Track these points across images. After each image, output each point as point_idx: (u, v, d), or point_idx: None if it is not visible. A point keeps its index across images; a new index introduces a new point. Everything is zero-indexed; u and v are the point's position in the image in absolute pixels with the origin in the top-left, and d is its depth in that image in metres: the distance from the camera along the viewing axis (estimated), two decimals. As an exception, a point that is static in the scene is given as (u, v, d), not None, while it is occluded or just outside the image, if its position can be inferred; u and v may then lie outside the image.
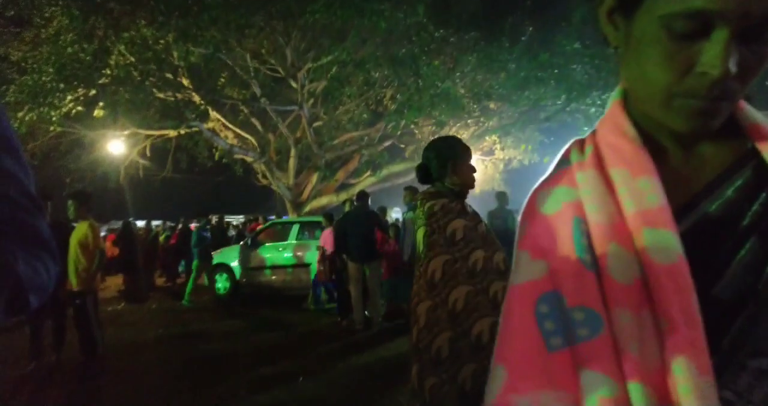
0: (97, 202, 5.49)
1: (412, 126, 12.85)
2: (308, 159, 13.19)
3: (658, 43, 0.54)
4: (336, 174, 13.41)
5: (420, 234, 2.26)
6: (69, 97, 9.66)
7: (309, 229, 10.29)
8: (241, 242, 10.43)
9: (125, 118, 11.26)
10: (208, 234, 9.94)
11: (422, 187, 2.45)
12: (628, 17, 0.58)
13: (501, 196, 8.48)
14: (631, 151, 0.60)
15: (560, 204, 0.63)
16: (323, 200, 13.33)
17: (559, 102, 11.40)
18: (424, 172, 2.36)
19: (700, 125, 0.56)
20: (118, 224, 15.65)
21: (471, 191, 2.38)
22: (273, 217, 15.86)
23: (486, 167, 16.04)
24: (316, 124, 12.87)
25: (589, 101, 11.38)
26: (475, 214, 2.31)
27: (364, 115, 13.17)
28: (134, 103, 10.47)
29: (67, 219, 5.20)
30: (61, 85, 9.32)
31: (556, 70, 10.37)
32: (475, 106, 12.33)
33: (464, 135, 13.25)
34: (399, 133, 13.15)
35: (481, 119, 12.82)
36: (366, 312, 7.33)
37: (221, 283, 10.02)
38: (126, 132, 11.69)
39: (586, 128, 12.71)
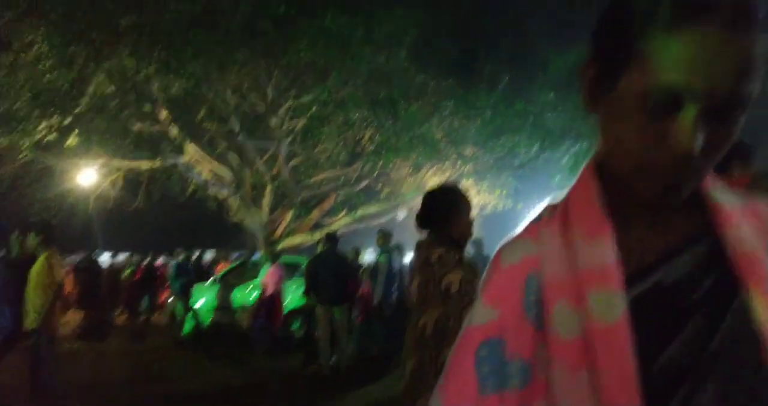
0: (63, 233, 5.29)
1: (389, 168, 12.94)
2: (284, 196, 13.10)
3: (632, 116, 0.56)
4: (311, 213, 13.32)
5: (414, 284, 2.18)
6: (43, 124, 9.47)
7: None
8: (208, 281, 10.17)
9: (99, 148, 11.06)
10: (191, 268, 9.67)
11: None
12: (607, 88, 0.60)
13: (477, 244, 8.53)
14: (594, 213, 0.63)
15: (520, 257, 0.67)
16: (297, 239, 13.17)
17: (533, 150, 11.67)
18: (424, 218, 2.28)
19: (667, 197, 0.58)
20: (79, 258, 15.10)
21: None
22: (242, 253, 15.50)
23: (461, 211, 16.12)
24: (293, 161, 12.86)
25: (562, 149, 11.69)
26: (473, 266, 2.18)
27: (342, 155, 13.24)
28: (109, 133, 10.30)
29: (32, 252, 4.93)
30: (36, 112, 9.16)
31: (531, 119, 10.66)
32: (451, 150, 12.52)
33: (440, 178, 13.37)
34: (376, 174, 13.23)
35: (458, 164, 12.99)
36: (334, 356, 7.11)
37: (186, 322, 9.67)
38: (98, 162, 11.46)
39: (558, 176, 13.01)
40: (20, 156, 10.36)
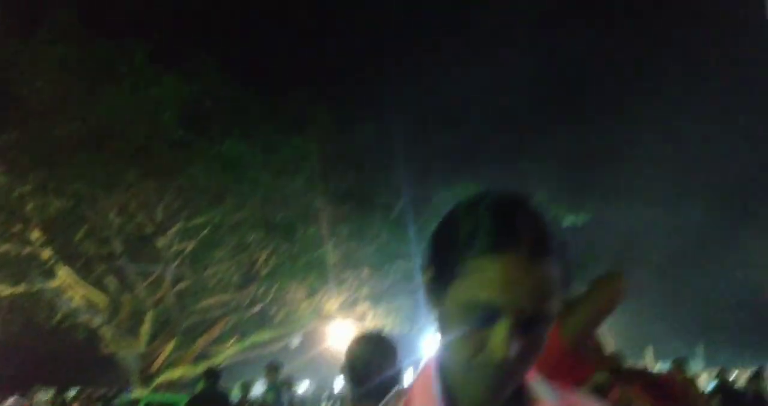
0: None
1: (284, 291, 12.57)
2: (166, 324, 12.07)
3: (459, 323, 0.64)
4: (196, 342, 12.30)
5: None
6: None
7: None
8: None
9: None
10: None
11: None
12: (440, 292, 0.67)
13: None
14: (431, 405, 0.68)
15: None
16: (177, 372, 11.94)
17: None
18: (351, 371, 2.06)
19: (489, 396, 0.65)
20: None
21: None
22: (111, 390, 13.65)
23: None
24: (180, 285, 12.08)
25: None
26: None
27: (235, 278, 12.70)
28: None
29: None
30: None
31: (423, 245, 11.06)
32: (348, 274, 12.53)
33: (337, 302, 13.16)
34: (270, 298, 12.75)
35: (354, 287, 12.95)
36: None
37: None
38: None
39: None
40: None
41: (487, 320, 0.62)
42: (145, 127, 8.52)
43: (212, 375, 6.86)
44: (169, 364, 12.09)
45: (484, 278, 0.61)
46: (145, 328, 11.64)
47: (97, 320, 11.34)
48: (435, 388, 0.70)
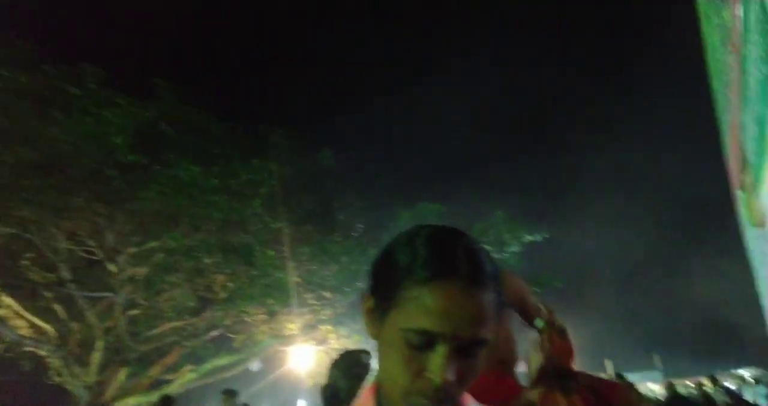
0: None
1: (243, 315, 12.29)
2: (118, 352, 11.60)
3: (398, 348, 0.67)
4: (150, 369, 11.86)
5: None
6: None
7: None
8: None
9: None
10: None
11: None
12: (380, 320, 0.71)
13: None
14: None
15: None
16: (131, 401, 11.45)
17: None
18: (330, 395, 2.04)
19: None
20: None
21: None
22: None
23: (319, 358, 15.51)
24: (132, 312, 11.65)
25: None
26: None
27: (189, 303, 12.34)
28: None
29: None
30: None
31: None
32: (309, 295, 12.37)
33: (297, 324, 12.96)
34: (228, 322, 12.44)
35: (316, 308, 12.78)
36: None
37: None
38: None
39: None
40: None
41: (425, 345, 0.65)
42: (97, 151, 8.23)
43: (166, 403, 6.63)
44: (122, 393, 11.61)
45: (421, 306, 0.65)
46: (96, 357, 11.15)
47: (44, 350, 10.80)
48: None
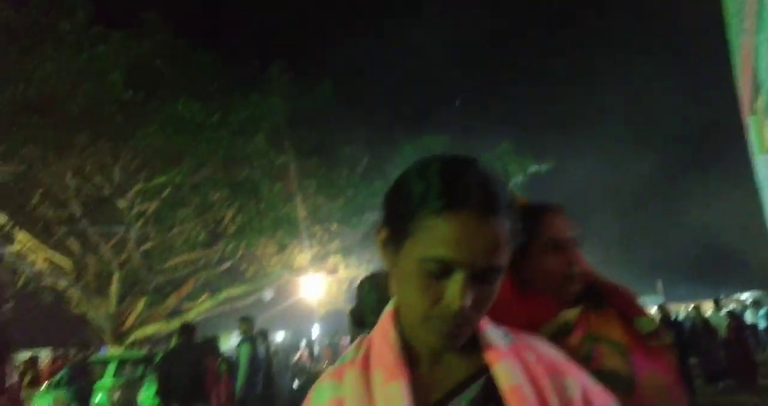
0: None
1: (254, 247, 12.58)
2: (135, 283, 12.05)
3: (416, 277, 0.67)
4: (167, 299, 12.35)
5: None
6: None
7: (131, 366, 9.12)
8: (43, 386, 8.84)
9: None
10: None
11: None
12: (396, 250, 0.70)
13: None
14: (390, 356, 0.72)
15: (326, 399, 0.73)
16: (150, 329, 12.05)
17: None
18: (357, 317, 2.02)
19: (446, 343, 0.69)
20: None
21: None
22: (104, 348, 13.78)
23: (330, 287, 16.01)
24: (145, 246, 11.97)
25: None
26: None
27: (201, 237, 12.62)
28: None
29: None
30: None
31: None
32: (317, 228, 12.56)
33: (307, 256, 13.27)
34: (239, 254, 12.76)
35: (324, 240, 13.03)
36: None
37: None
38: None
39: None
40: None
41: (442, 274, 0.66)
42: (92, 88, 8.10)
43: (187, 330, 6.93)
44: (142, 322, 12.18)
45: (437, 235, 0.65)
46: (113, 288, 11.61)
47: (63, 283, 11.24)
48: (392, 336, 0.74)
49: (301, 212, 12.01)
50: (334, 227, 13.12)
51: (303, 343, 17.57)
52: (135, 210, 10.83)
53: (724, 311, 10.00)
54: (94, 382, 8.60)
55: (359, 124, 12.05)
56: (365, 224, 12.70)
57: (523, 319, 0.96)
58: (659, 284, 24.15)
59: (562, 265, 1.18)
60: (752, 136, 8.93)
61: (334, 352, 13.12)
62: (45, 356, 13.05)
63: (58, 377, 9.15)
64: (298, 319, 17.82)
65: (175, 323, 11.39)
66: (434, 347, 0.72)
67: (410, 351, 0.74)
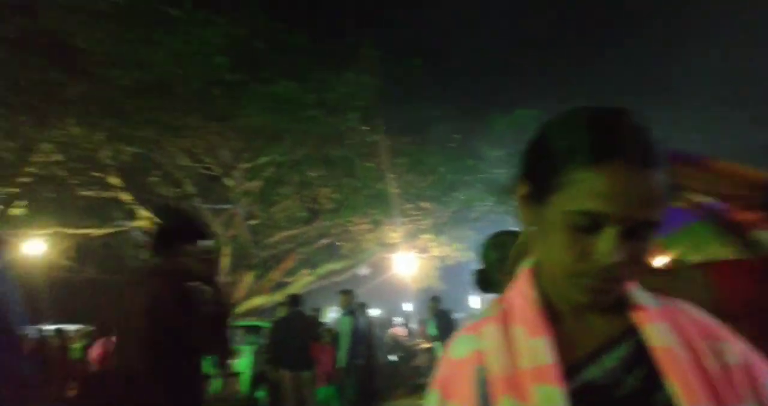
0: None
1: (348, 224, 12.96)
2: (243, 258, 12.87)
3: (562, 232, 0.66)
4: (271, 273, 13.09)
5: None
6: (-13, 195, 9.23)
7: (242, 333, 9.81)
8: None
9: (48, 217, 10.77)
10: None
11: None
12: (538, 205, 0.69)
13: (436, 301, 8.69)
14: (531, 313, 0.71)
15: (467, 351, 0.73)
16: (257, 301, 12.85)
17: (488, 203, 11.92)
18: (482, 276, 1.90)
19: (593, 301, 0.68)
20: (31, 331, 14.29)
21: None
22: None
23: (422, 264, 16.13)
24: (251, 222, 12.75)
25: (515, 203, 11.97)
26: None
27: (301, 214, 13.21)
28: (57, 201, 10.05)
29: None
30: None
31: (481, 175, 10.94)
32: (409, 206, 12.66)
33: (399, 233, 13.44)
34: (335, 231, 13.20)
35: (416, 218, 13.12)
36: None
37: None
38: (47, 231, 11.12)
39: (517, 227, 13.27)
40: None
41: (592, 228, 0.64)
42: (201, 71, 8.72)
43: (295, 300, 7.35)
44: (250, 294, 12.99)
45: (588, 188, 0.63)
46: (224, 262, 12.49)
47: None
48: (532, 293, 0.73)
49: (393, 189, 12.15)
50: (426, 205, 13.15)
51: (398, 319, 17.95)
52: (241, 189, 11.55)
53: None
54: None
55: (449, 101, 11.90)
56: (456, 203, 12.61)
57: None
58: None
59: None
60: None
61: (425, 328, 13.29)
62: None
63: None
64: (391, 295, 18.19)
65: (278, 296, 12.07)
66: (580, 304, 0.69)
67: (551, 308, 0.72)
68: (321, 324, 8.82)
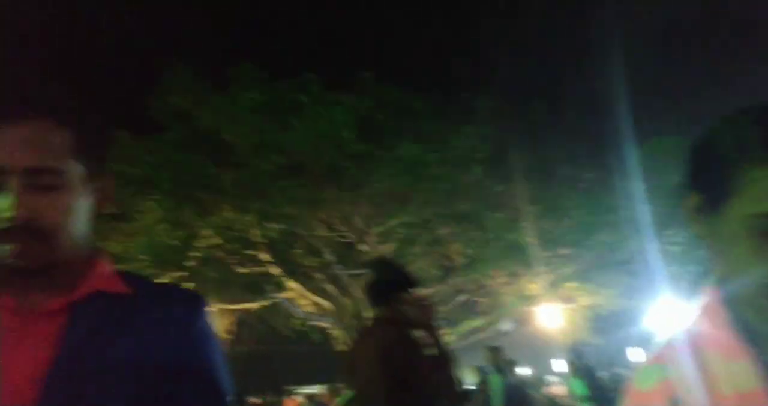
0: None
1: (485, 279, 12.68)
2: (383, 321, 13.04)
3: (744, 239, 0.60)
4: (413, 334, 13.06)
5: None
6: (160, 280, 10.46)
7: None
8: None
9: (211, 296, 11.92)
10: None
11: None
12: (713, 215, 0.65)
13: (578, 355, 8.07)
14: (725, 335, 0.65)
15: (656, 381, 0.68)
16: (401, 363, 12.82)
17: (635, 243, 11.04)
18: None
19: None
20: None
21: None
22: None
23: (569, 316, 15.10)
24: (388, 284, 12.98)
25: (666, 240, 10.98)
26: None
27: (434, 272, 13.21)
28: (219, 280, 11.12)
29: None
30: (155, 271, 10.19)
31: (623, 213, 10.25)
32: (546, 254, 12.13)
33: (540, 284, 12.83)
34: (471, 287, 12.97)
35: (556, 266, 12.50)
36: None
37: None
38: (212, 309, 12.24)
39: (673, 267, 12.04)
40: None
41: None
42: (330, 147, 9.42)
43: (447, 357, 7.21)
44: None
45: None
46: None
47: (326, 322, 12.77)
48: (722, 313, 0.67)
49: (527, 239, 11.77)
50: (565, 251, 12.51)
51: (553, 377, 16.74)
52: (375, 252, 11.91)
53: None
54: None
55: (574, 140, 11.52)
56: (600, 246, 11.85)
57: None
58: None
59: None
60: None
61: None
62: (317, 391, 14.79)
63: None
64: (539, 351, 17.13)
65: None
66: None
67: (747, 328, 0.65)
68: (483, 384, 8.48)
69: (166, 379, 0.74)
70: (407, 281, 2.41)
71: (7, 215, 0.64)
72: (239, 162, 9.69)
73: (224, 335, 13.66)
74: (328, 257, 12.00)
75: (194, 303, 0.85)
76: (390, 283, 2.40)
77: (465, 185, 10.71)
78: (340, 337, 12.98)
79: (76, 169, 0.73)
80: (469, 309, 13.95)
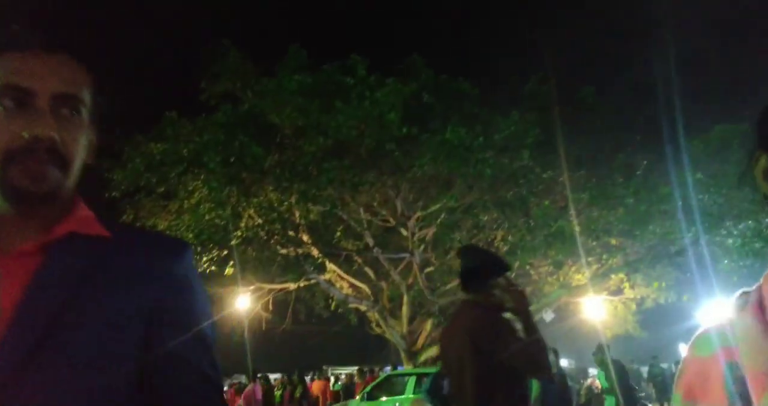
0: (222, 357, 5.59)
1: (528, 267, 12.38)
2: (421, 305, 12.97)
3: None
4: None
5: None
6: (204, 259, 10.65)
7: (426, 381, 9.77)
8: (356, 397, 10.10)
9: (251, 275, 12.06)
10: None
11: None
12: None
13: (601, 350, 8.03)
14: None
15: (714, 348, 0.66)
16: (437, 349, 12.74)
17: (690, 234, 10.52)
18: None
19: None
20: (240, 378, 15.83)
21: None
22: (388, 368, 15.35)
23: (616, 308, 14.65)
24: (427, 269, 12.85)
25: (724, 232, 10.42)
26: None
27: (476, 259, 12.98)
28: (260, 260, 11.22)
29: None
30: (199, 248, 10.36)
31: (680, 202, 9.76)
32: (593, 243, 11.73)
33: (586, 275, 12.45)
34: (513, 275, 12.70)
35: (603, 257, 12.07)
36: None
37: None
38: (251, 287, 12.43)
39: (725, 260, 11.47)
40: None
41: None
42: (375, 130, 9.28)
43: None
44: (431, 341, 12.96)
45: None
46: (404, 310, 12.70)
47: (363, 305, 12.79)
48: None
49: (574, 227, 11.38)
50: (614, 241, 12.06)
51: (595, 370, 16.36)
52: (416, 237, 11.79)
53: None
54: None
55: (629, 128, 11.01)
56: (652, 236, 11.36)
57: None
58: None
59: None
60: None
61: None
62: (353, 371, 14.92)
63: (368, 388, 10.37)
64: (581, 343, 16.76)
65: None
66: None
67: None
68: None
69: (143, 321, 0.73)
70: (499, 267, 2.47)
71: (35, 133, 0.65)
72: (284, 144, 9.67)
73: (261, 314, 13.88)
74: (368, 240, 11.95)
75: (178, 250, 0.83)
76: (482, 268, 2.45)
77: (511, 171, 10.40)
78: (377, 320, 12.99)
79: (91, 107, 0.75)
80: (509, 297, 13.72)
